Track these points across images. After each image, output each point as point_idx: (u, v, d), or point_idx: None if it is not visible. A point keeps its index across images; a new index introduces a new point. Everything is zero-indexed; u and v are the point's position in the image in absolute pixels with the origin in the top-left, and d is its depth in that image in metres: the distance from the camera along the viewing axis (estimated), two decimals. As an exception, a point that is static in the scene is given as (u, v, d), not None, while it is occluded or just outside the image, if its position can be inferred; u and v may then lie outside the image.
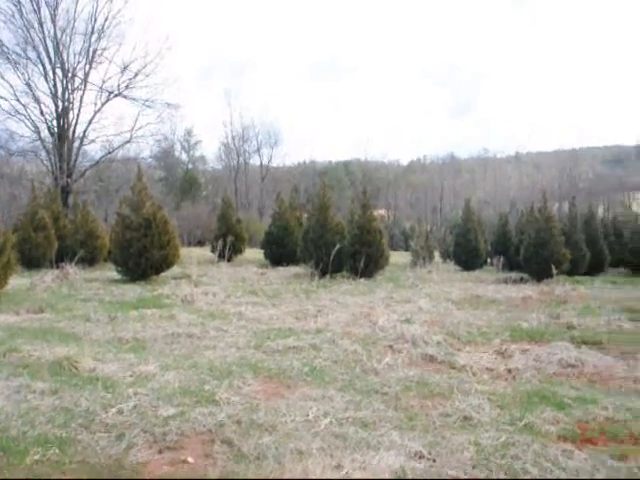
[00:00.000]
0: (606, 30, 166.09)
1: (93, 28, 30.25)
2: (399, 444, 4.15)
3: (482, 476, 3.73)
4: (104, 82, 31.15)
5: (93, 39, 30.54)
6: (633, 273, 23.85)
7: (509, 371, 6.58)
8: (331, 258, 15.63)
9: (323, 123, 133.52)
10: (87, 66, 30.75)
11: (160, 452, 4.04)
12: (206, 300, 11.37)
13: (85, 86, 30.99)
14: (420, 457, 3.98)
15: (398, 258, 26.96)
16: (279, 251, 22.82)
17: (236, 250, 24.35)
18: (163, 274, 15.92)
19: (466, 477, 3.71)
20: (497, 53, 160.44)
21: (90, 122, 31.25)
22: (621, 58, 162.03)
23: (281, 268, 20.59)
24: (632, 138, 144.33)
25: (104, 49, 30.91)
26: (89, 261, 19.52)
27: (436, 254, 33.03)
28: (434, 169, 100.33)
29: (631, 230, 28.62)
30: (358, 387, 5.66)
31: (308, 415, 4.71)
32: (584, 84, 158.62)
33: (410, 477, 3.67)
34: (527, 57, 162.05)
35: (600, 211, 57.52)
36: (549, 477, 3.71)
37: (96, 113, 31.21)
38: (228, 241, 20.26)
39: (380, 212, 74.19)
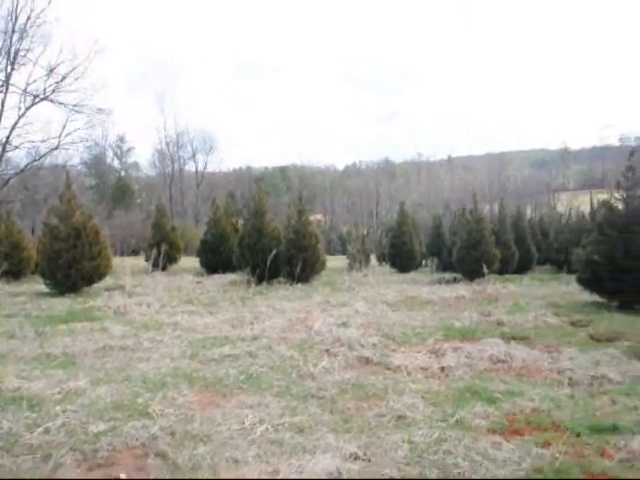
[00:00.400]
0: (535, 39, 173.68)
1: (14, 27, 29.06)
2: (335, 447, 4.18)
3: (415, 473, 3.81)
4: (28, 85, 29.96)
5: (14, 38, 29.32)
6: (558, 270, 24.92)
7: (442, 369, 6.75)
8: (267, 264, 15.58)
9: (259, 129, 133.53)
10: (9, 67, 29.47)
11: (90, 470, 3.91)
12: (140, 311, 11.09)
13: (7, 88, 29.69)
14: (355, 458, 4.02)
15: (335, 262, 27.19)
16: (215, 259, 22.52)
17: (171, 259, 23.89)
18: (95, 286, 15.41)
19: (399, 476, 3.78)
20: (426, 60, 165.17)
21: (13, 127, 29.96)
22: (548, 67, 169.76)
23: (217, 276, 20.34)
24: (556, 143, 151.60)
25: (27, 50, 29.73)
26: (14, 274, 18.60)
27: (372, 257, 33.49)
28: (369, 173, 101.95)
29: (556, 229, 29.99)
30: (294, 392, 5.66)
31: (244, 423, 4.68)
32: (511, 91, 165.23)
33: (346, 477, 3.71)
34: (456, 64, 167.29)
35: (528, 212, 59.83)
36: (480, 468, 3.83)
37: (20, 118, 29.98)
38: (162, 250, 19.87)
39: (317, 217, 74.55)
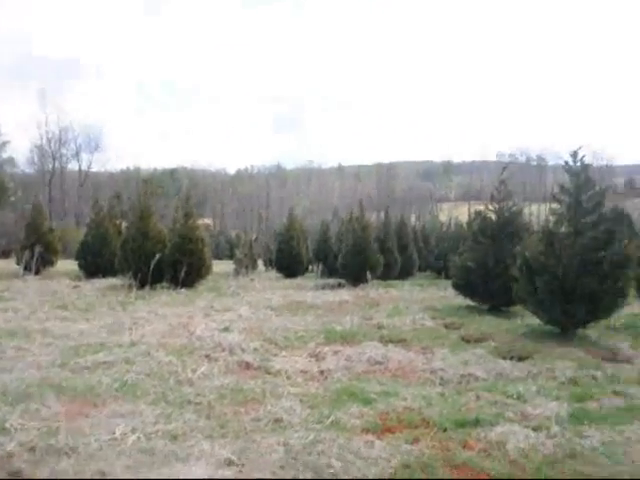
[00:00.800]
0: (424, 57, 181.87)
1: None
2: (209, 453, 4.11)
3: (289, 475, 3.83)
4: None
5: None
6: (438, 276, 26.24)
7: (322, 372, 6.86)
8: (151, 268, 15.07)
9: (149, 130, 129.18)
10: None
11: None
12: (5, 317, 10.29)
13: None
14: (229, 464, 3.98)
15: (222, 267, 26.84)
16: (95, 262, 21.41)
17: (46, 262, 22.37)
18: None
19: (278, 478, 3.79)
20: (321, 71, 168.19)
21: None
22: (434, 84, 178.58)
23: (97, 280, 19.34)
24: (439, 155, 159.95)
25: None
26: None
27: (260, 262, 33.46)
28: (261, 178, 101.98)
29: (436, 237, 31.59)
30: (171, 399, 5.50)
31: (115, 433, 4.46)
32: (401, 105, 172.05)
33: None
34: (348, 76, 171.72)
35: (412, 220, 62.50)
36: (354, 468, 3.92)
37: None
38: (36, 251, 18.61)
39: (206, 221, 73.33)
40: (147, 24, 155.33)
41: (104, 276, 20.14)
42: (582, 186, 8.83)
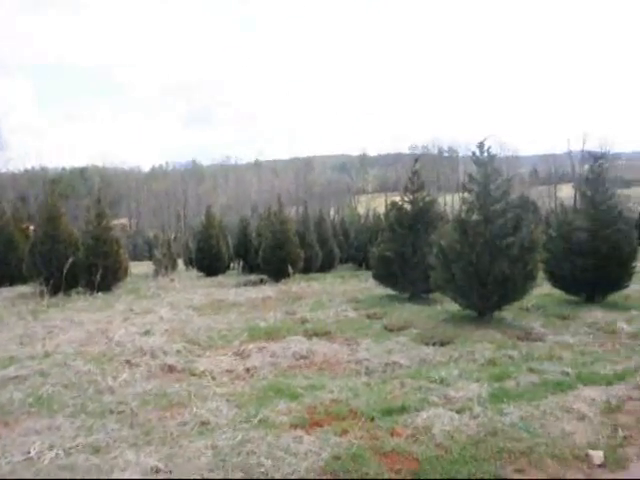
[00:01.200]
0: (337, 54, 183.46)
1: None
2: (134, 463, 3.95)
3: (219, 477, 3.76)
4: None
5: None
6: (358, 268, 26.64)
7: (247, 370, 6.79)
8: (64, 273, 14.35)
9: (54, 128, 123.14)
10: None
11: None
12: None
13: None
14: (156, 471, 3.85)
15: (141, 268, 26.09)
16: (1, 269, 20.18)
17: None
18: None
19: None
20: (236, 66, 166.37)
21: None
22: (346, 76, 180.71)
23: (4, 289, 18.24)
24: (356, 149, 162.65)
25: None
26: None
27: (180, 262, 32.76)
28: (177, 176, 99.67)
29: (356, 230, 32.04)
30: (91, 410, 5.25)
31: (30, 452, 4.21)
32: (315, 98, 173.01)
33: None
34: (265, 70, 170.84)
35: (331, 213, 63.13)
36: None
37: None
38: None
39: (121, 221, 70.98)
40: (46, 12, 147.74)
41: (12, 284, 18.99)
42: (490, 175, 9.20)
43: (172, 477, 3.79)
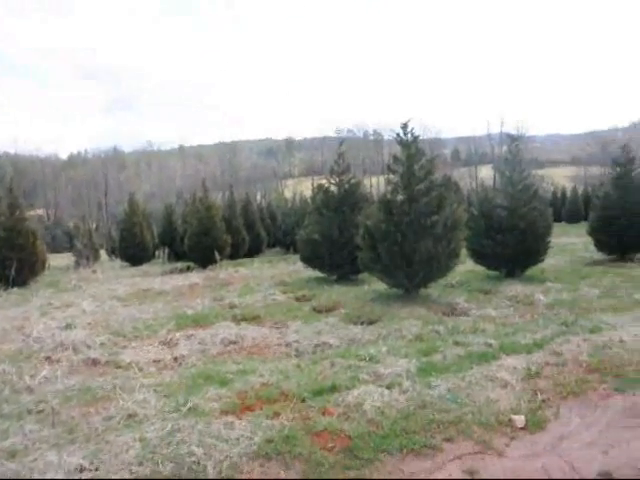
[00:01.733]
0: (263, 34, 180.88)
1: None
2: (56, 464, 3.75)
3: (148, 471, 3.64)
4: None
5: None
6: (287, 251, 26.62)
7: (175, 359, 6.64)
8: (-27, 268, 13.53)
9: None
10: None
11: None
12: None
13: None
14: (81, 470, 3.68)
15: (61, 260, 25.03)
16: None
17: None
18: None
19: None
20: (156, 52, 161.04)
21: None
22: (271, 60, 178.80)
23: None
24: (283, 133, 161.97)
25: None
26: None
27: (103, 252, 31.66)
28: (97, 163, 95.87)
29: (283, 213, 31.96)
30: (7, 412, 4.94)
31: None
32: (238, 83, 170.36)
33: None
34: (184, 57, 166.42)
35: (258, 198, 62.66)
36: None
37: None
38: None
39: (37, 212, 67.73)
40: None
41: None
42: (413, 156, 9.36)
43: (98, 474, 3.64)
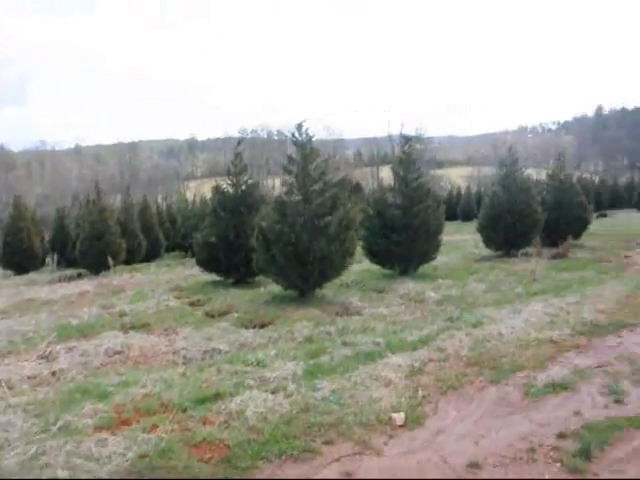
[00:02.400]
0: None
1: None
2: None
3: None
4: None
5: None
6: (186, 255, 25.97)
7: (53, 374, 6.23)
8: None
9: None
10: None
11: None
12: None
13: None
14: None
15: None
16: None
17: None
18: None
19: None
20: (52, 44, 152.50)
21: None
22: (169, 62, 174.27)
23: None
24: (184, 133, 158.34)
25: None
26: None
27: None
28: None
29: (183, 216, 31.18)
30: None
31: None
32: (140, 83, 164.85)
33: None
34: (84, 51, 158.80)
35: (159, 200, 60.84)
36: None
37: None
38: None
39: None
40: None
41: None
42: (308, 156, 9.38)
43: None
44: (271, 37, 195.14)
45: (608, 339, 6.65)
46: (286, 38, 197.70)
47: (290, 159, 9.75)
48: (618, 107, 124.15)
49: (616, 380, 5.11)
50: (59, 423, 4.43)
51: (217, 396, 4.85)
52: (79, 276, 17.55)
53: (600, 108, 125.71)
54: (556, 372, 5.43)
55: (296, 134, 9.58)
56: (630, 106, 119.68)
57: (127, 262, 19.28)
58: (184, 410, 4.59)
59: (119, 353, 6.86)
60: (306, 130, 9.57)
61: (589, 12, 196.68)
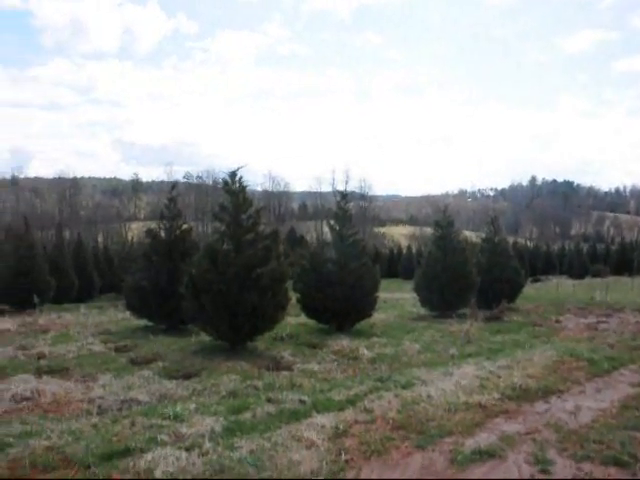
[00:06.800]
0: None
1: None
2: None
3: None
4: None
5: None
6: (120, 298, 25.07)
7: (-53, 420, 5.73)
8: None
9: None
10: None
11: None
12: None
13: None
14: None
15: None
16: None
17: None
18: None
19: None
20: None
21: None
22: (117, 97, 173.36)
23: None
24: (129, 173, 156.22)
25: None
26: None
27: None
28: None
29: (120, 258, 30.36)
30: None
31: None
32: (87, 118, 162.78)
33: None
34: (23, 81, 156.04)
35: (100, 239, 59.20)
36: None
37: None
38: None
39: None
40: None
41: None
42: (240, 205, 9.26)
43: None
44: (220, 81, 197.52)
45: (537, 405, 6.68)
46: (238, 87, 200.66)
47: (222, 207, 9.61)
48: (549, 178, 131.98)
49: (543, 449, 5.06)
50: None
51: (127, 452, 4.53)
52: (1, 313, 16.62)
53: (534, 178, 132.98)
54: (484, 438, 5.35)
55: (229, 182, 9.47)
56: (560, 178, 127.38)
57: (57, 301, 18.46)
58: (87, 467, 4.25)
59: (28, 399, 6.42)
60: (240, 179, 9.46)
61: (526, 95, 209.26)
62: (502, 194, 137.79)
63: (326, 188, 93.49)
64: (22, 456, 4.50)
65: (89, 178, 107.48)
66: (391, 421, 5.76)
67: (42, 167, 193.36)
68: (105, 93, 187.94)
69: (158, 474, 4.12)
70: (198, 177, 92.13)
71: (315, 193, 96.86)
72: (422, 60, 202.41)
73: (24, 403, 6.31)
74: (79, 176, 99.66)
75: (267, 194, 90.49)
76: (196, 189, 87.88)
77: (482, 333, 12.79)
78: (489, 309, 16.01)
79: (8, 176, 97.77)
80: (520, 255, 26.01)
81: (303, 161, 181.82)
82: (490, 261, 18.38)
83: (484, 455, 4.93)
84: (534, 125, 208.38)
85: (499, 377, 7.85)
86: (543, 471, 4.63)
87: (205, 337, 10.28)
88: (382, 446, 5.07)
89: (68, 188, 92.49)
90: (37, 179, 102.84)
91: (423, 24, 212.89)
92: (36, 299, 14.99)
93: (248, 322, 8.92)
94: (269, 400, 6.31)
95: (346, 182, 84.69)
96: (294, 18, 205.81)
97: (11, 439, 4.94)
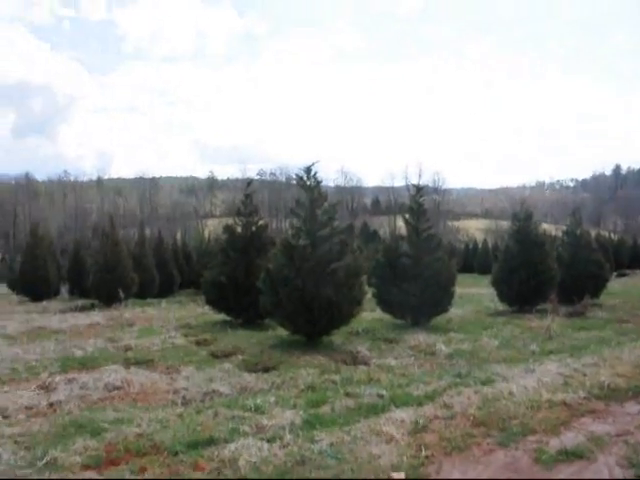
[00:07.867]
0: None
1: None
2: None
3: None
4: None
5: None
6: (199, 293, 25.86)
7: (51, 405, 6.15)
8: None
9: None
10: None
11: None
12: None
13: None
14: None
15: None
16: None
17: None
18: None
19: None
20: (75, 76, 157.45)
21: None
22: (191, 99, 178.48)
23: None
24: (204, 171, 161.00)
25: None
26: None
27: (4, 285, 29.89)
28: (6, 190, 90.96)
29: (198, 254, 31.27)
30: None
31: None
32: (165, 120, 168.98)
33: None
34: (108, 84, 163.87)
35: (178, 236, 61.28)
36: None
37: None
38: None
39: None
40: None
41: None
42: (316, 201, 9.34)
43: None
44: (296, 76, 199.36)
45: (627, 405, 6.35)
46: (309, 84, 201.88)
47: (298, 203, 9.73)
48: (635, 167, 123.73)
49: (637, 452, 4.75)
50: (46, 458, 4.33)
51: (211, 441, 4.70)
52: (92, 307, 17.59)
53: (618, 167, 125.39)
54: (570, 438, 5.13)
55: (304, 177, 9.57)
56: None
57: (140, 296, 19.31)
58: (175, 454, 4.45)
59: (118, 388, 6.76)
60: (314, 174, 9.55)
61: (610, 76, 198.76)
62: (583, 185, 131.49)
63: (398, 183, 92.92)
64: (117, 441, 4.77)
65: (167, 177, 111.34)
66: (471, 417, 5.65)
67: (124, 168, 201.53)
68: (180, 95, 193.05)
69: (242, 463, 4.23)
70: (271, 174, 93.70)
71: (387, 188, 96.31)
72: (496, 52, 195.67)
73: (115, 392, 6.66)
74: (157, 176, 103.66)
75: (340, 189, 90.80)
76: (269, 186, 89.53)
77: (564, 329, 12.31)
78: (571, 304, 15.41)
79: (94, 177, 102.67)
80: (604, 248, 24.81)
81: (375, 156, 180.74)
82: (572, 255, 17.65)
83: (571, 455, 4.73)
84: (618, 111, 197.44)
85: (584, 375, 7.53)
86: (639, 476, 4.40)
87: (282, 331, 10.46)
88: (463, 442, 4.98)
89: (148, 187, 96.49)
90: (119, 179, 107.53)
91: (495, 16, 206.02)
92: (122, 294, 15.73)
93: (324, 317, 9.01)
94: (347, 394, 6.35)
95: (419, 176, 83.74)
96: (364, 12, 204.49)
97: (106, 425, 5.25)
